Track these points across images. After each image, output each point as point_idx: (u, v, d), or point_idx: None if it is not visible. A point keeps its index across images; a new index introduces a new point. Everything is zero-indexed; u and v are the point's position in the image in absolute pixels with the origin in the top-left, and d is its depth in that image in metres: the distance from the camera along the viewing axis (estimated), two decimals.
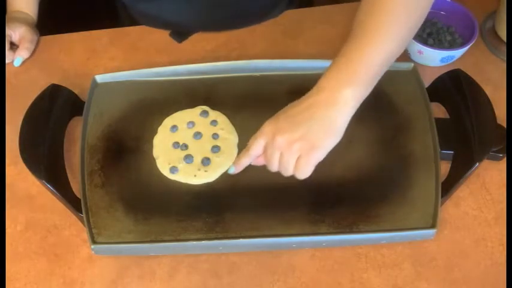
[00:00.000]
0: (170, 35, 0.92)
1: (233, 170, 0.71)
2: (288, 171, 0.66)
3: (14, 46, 0.90)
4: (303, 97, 0.65)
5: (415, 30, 0.67)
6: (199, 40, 0.91)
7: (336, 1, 1.01)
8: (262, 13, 0.94)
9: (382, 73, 0.66)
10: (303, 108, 0.64)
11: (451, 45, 0.85)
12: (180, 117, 0.78)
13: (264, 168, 0.73)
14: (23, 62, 0.89)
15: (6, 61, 0.88)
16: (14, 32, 0.88)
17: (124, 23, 1.00)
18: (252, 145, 0.67)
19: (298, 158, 0.64)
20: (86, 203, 0.70)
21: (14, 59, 0.88)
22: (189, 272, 0.68)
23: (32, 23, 0.92)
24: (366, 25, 0.64)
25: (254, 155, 0.68)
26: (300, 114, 0.64)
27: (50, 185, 0.69)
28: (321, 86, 0.64)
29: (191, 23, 0.92)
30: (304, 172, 0.65)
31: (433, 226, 0.68)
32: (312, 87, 0.67)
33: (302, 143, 0.63)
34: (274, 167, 0.66)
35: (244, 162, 0.69)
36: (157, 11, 0.91)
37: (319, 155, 0.64)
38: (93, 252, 0.68)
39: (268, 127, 0.66)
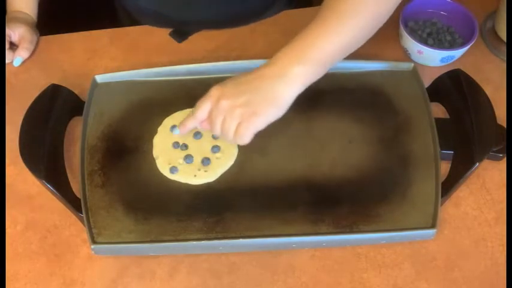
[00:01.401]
0: (170, 34, 0.92)
1: (178, 132, 0.73)
2: (228, 136, 0.67)
3: (13, 46, 0.90)
4: (256, 68, 0.67)
5: (381, 22, 0.68)
6: (199, 40, 0.91)
7: None
8: (262, 8, 0.94)
9: (338, 59, 0.68)
10: (252, 78, 0.66)
11: (451, 45, 0.85)
12: (180, 117, 0.78)
13: (264, 168, 0.73)
14: (23, 62, 0.89)
15: (6, 61, 0.88)
16: (14, 32, 0.88)
17: (124, 23, 1.00)
18: (198, 107, 0.69)
19: (239, 124, 0.66)
20: (86, 203, 0.70)
21: (14, 59, 0.88)
22: (189, 272, 0.68)
23: (32, 23, 0.92)
24: (330, 10, 0.66)
25: (199, 117, 0.69)
26: (247, 83, 0.66)
27: (50, 185, 0.69)
28: (273, 60, 0.66)
29: (191, 19, 0.92)
30: (243, 138, 0.66)
31: (433, 226, 0.68)
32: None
33: (244, 109, 0.65)
34: (217, 131, 0.68)
35: (190, 124, 0.71)
36: (158, 7, 0.91)
37: (260, 122, 0.66)
38: (93, 252, 0.68)
39: (214, 91, 0.68)
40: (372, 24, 0.67)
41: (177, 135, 0.76)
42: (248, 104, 0.65)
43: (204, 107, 0.68)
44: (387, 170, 0.73)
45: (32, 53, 0.90)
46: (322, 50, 0.65)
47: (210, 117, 0.68)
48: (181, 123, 0.72)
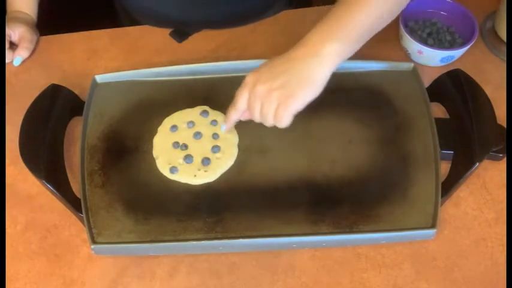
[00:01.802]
0: (170, 35, 0.92)
1: (224, 128, 0.74)
2: (268, 120, 0.67)
3: (13, 46, 0.90)
4: (288, 51, 0.67)
5: (404, 5, 0.70)
6: (199, 40, 0.91)
7: (334, 1, 1.01)
8: (262, 8, 0.94)
9: (368, 36, 0.68)
10: (285, 60, 0.67)
11: (451, 45, 0.85)
12: (180, 117, 0.78)
13: (264, 168, 0.73)
14: (23, 62, 0.89)
15: (6, 61, 0.88)
16: (14, 32, 0.88)
17: (124, 23, 1.00)
18: (238, 98, 0.69)
19: (277, 107, 0.66)
20: (86, 203, 0.70)
21: (14, 59, 0.88)
22: (189, 272, 0.68)
23: (32, 23, 0.92)
24: None
25: (240, 108, 0.69)
26: (281, 65, 0.66)
27: (50, 185, 0.69)
28: (305, 39, 0.67)
29: (191, 19, 0.92)
30: (282, 120, 0.66)
31: (433, 226, 0.68)
32: None
33: (280, 92, 0.65)
34: (256, 116, 0.68)
35: (233, 117, 0.71)
36: (158, 7, 0.91)
37: (297, 104, 0.66)
38: (93, 252, 0.68)
39: (250, 77, 0.68)
40: (396, 4, 0.69)
41: (177, 135, 0.76)
42: (284, 86, 0.65)
43: (242, 96, 0.68)
44: (387, 170, 0.73)
45: (32, 53, 0.90)
46: (352, 27, 0.66)
47: (248, 105, 0.68)
48: (226, 118, 0.72)
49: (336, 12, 0.67)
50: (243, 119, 0.72)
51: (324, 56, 0.65)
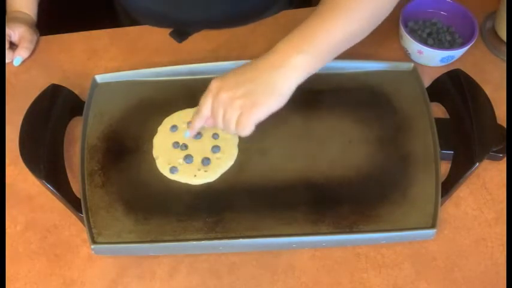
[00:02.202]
0: (170, 35, 0.92)
1: (188, 134, 0.73)
2: (230, 128, 0.67)
3: (13, 46, 0.90)
4: (255, 58, 0.67)
5: (385, 15, 0.68)
6: (199, 40, 0.91)
7: None
8: (262, 8, 0.94)
9: (338, 51, 0.67)
10: (251, 68, 0.66)
11: (451, 45, 0.85)
12: (180, 117, 0.78)
13: (264, 168, 0.73)
14: (23, 62, 0.89)
15: (6, 61, 0.88)
16: (14, 32, 0.88)
17: (124, 23, 1.00)
18: (202, 104, 0.69)
19: (240, 115, 0.65)
20: (86, 203, 0.70)
21: (14, 59, 0.88)
22: (189, 272, 0.68)
23: (32, 23, 0.92)
24: (331, 2, 0.66)
25: (204, 114, 0.69)
26: (246, 73, 0.66)
27: (50, 185, 0.69)
28: (272, 50, 0.66)
29: (191, 19, 0.92)
30: (245, 129, 0.66)
31: (433, 226, 0.68)
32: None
33: (244, 100, 0.65)
34: (219, 123, 0.68)
35: (197, 123, 0.71)
36: (158, 7, 0.91)
37: (260, 113, 0.65)
38: (93, 252, 0.68)
39: (214, 84, 0.68)
40: (372, 17, 0.67)
41: (177, 135, 0.76)
42: (248, 94, 0.65)
43: (206, 103, 0.68)
44: (387, 170, 0.73)
45: (32, 53, 0.90)
46: (322, 40, 0.65)
47: (211, 111, 0.68)
48: (190, 125, 0.72)
49: (308, 24, 0.66)
50: (207, 125, 0.71)
51: (291, 68, 0.64)
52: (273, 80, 0.65)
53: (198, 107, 0.70)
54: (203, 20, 0.92)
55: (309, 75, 0.66)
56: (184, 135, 0.74)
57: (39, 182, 0.69)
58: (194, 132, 0.73)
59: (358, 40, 0.68)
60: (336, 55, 0.67)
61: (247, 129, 0.66)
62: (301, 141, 0.76)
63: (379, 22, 0.68)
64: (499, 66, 0.86)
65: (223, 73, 0.68)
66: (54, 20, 0.99)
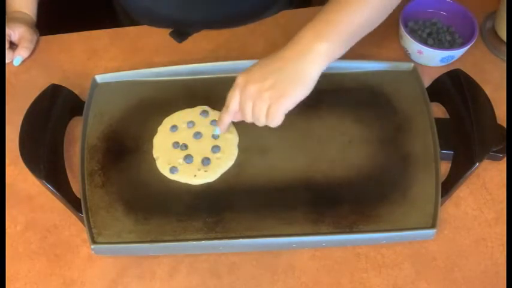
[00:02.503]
0: (170, 34, 0.92)
1: (218, 131, 0.73)
2: (260, 120, 0.68)
3: (13, 46, 0.90)
4: (279, 50, 0.67)
5: (397, 3, 0.70)
6: (199, 40, 0.91)
7: None
8: (262, 8, 0.94)
9: (358, 37, 0.68)
10: (275, 60, 0.67)
11: (451, 45, 0.85)
12: (180, 117, 0.78)
13: (264, 168, 0.73)
14: (23, 62, 0.89)
15: (6, 60, 0.88)
16: (14, 32, 0.88)
17: (124, 23, 1.00)
18: (230, 99, 0.69)
19: (269, 106, 0.66)
20: (86, 203, 0.70)
21: (14, 59, 0.88)
22: (189, 272, 0.68)
23: (32, 23, 0.92)
24: None
25: (232, 109, 0.69)
26: (271, 64, 0.67)
27: (50, 185, 0.69)
28: (297, 38, 0.67)
29: (191, 19, 0.92)
30: (275, 120, 0.67)
31: (433, 226, 0.68)
32: None
33: (272, 92, 0.65)
34: (248, 117, 0.68)
35: (226, 119, 0.71)
36: (158, 7, 0.91)
37: (289, 103, 0.66)
38: (93, 252, 0.68)
39: (241, 78, 0.68)
40: (386, 7, 0.69)
41: (177, 135, 0.76)
42: (275, 86, 0.65)
43: (234, 98, 0.68)
44: (387, 170, 0.73)
45: (32, 53, 0.90)
46: (342, 28, 0.66)
47: (240, 105, 0.68)
48: (218, 122, 0.72)
49: (326, 13, 0.67)
50: (235, 120, 0.72)
51: (315, 55, 0.65)
52: (299, 68, 0.65)
53: (226, 102, 0.70)
54: (203, 20, 0.92)
55: (331, 63, 0.67)
56: (214, 133, 0.75)
57: (39, 182, 0.69)
58: (224, 127, 0.73)
59: (375, 26, 0.69)
60: (354, 42, 0.68)
61: (278, 120, 0.67)
62: (301, 141, 0.76)
63: (394, 7, 0.70)
64: (499, 66, 0.86)
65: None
66: (54, 20, 0.99)
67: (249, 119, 0.69)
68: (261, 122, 0.68)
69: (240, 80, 0.68)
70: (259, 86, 0.66)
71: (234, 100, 0.68)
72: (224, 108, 0.71)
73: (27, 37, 0.89)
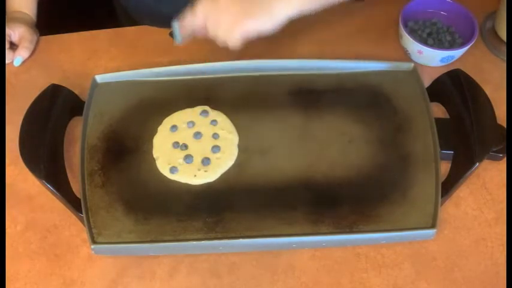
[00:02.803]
0: (170, 34, 0.91)
1: (179, 39, 0.76)
2: (219, 33, 0.70)
3: (13, 46, 0.90)
4: None
5: None
6: (199, 40, 0.91)
7: (333, 4, 1.01)
8: None
9: None
10: None
11: (451, 45, 0.85)
12: (180, 117, 0.78)
13: (264, 168, 0.73)
14: (23, 62, 0.89)
15: (6, 61, 0.88)
16: (14, 32, 0.88)
17: (124, 23, 1.00)
18: (199, 5, 0.71)
19: (232, 22, 0.69)
20: (86, 203, 0.70)
21: (14, 59, 0.88)
22: (189, 272, 0.68)
23: (32, 23, 0.92)
24: None
25: (198, 14, 0.71)
26: None
27: (50, 185, 0.69)
28: None
29: None
30: (232, 37, 0.70)
31: (433, 226, 0.68)
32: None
33: (239, 10, 0.69)
34: (209, 25, 0.71)
35: (189, 22, 0.73)
36: (158, 7, 0.91)
37: (250, 25, 0.69)
38: (93, 252, 0.68)
39: None
40: None
41: (177, 135, 0.76)
42: (244, 7, 0.69)
43: (203, 4, 0.71)
44: (387, 170, 0.73)
45: (32, 53, 0.90)
46: None
47: (207, 13, 0.71)
48: (181, 24, 0.74)
49: None
50: (197, 33, 0.73)
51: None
52: (273, 3, 0.69)
53: (194, 10, 0.72)
54: None
55: (300, 13, 0.69)
56: (176, 40, 0.76)
57: (39, 182, 0.69)
58: (185, 31, 0.74)
59: None
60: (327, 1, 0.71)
61: (235, 39, 0.69)
62: (301, 141, 0.76)
63: None
64: (499, 66, 0.86)
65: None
66: (54, 20, 0.99)
67: (210, 30, 0.71)
68: (219, 36, 0.70)
69: None
70: (230, 2, 0.69)
71: (202, 6, 0.71)
72: (191, 14, 0.72)
73: (27, 37, 0.89)
